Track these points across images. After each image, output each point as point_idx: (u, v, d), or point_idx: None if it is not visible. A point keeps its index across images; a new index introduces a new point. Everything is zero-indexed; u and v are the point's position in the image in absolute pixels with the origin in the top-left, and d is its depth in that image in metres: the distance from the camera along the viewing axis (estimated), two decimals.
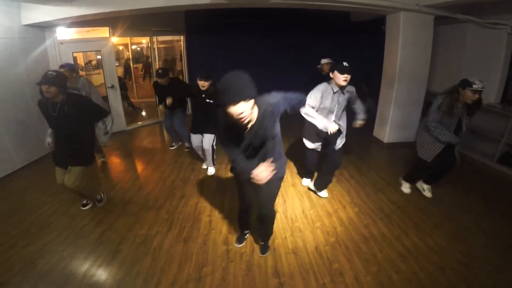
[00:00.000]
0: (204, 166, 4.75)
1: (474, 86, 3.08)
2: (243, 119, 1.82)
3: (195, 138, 4.28)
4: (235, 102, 1.74)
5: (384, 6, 4.81)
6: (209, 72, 3.88)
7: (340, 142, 3.52)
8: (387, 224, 3.28)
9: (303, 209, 3.60)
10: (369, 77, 6.05)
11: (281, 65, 7.98)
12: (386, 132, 5.78)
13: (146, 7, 4.49)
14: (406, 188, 3.96)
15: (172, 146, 5.66)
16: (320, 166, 3.90)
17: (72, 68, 4.25)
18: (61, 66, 4.16)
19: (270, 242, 2.94)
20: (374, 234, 3.12)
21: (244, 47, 7.92)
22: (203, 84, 3.87)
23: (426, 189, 3.86)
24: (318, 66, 5.60)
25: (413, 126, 5.68)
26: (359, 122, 3.61)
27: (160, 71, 4.80)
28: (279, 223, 3.30)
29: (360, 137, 6.00)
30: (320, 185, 3.83)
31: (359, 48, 8.00)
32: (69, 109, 2.88)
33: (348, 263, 2.73)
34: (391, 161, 5.01)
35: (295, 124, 3.96)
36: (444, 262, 2.71)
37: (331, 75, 3.24)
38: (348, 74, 3.12)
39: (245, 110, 1.78)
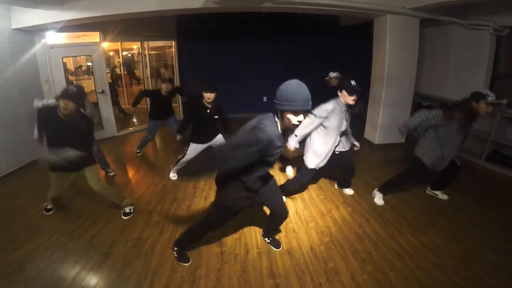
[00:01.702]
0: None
1: (489, 98, 2.94)
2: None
3: (199, 148, 4.01)
4: (309, 111, 1.90)
5: (371, 10, 4.91)
6: (214, 83, 3.66)
7: (345, 142, 3.61)
8: (381, 223, 3.29)
9: (296, 210, 3.59)
10: (359, 80, 6.11)
11: (273, 70, 8.03)
12: (376, 134, 5.84)
13: (137, 11, 4.50)
14: (380, 200, 3.76)
15: (139, 153, 5.59)
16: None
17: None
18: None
19: None
20: (368, 233, 3.12)
21: (236, 52, 7.97)
22: (209, 97, 3.64)
23: (439, 194, 3.84)
24: (326, 79, 5.68)
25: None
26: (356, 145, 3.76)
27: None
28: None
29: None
30: (344, 185, 4.02)
31: (348, 52, 8.12)
32: (78, 123, 2.89)
33: (344, 262, 2.72)
34: (382, 162, 5.04)
35: None
36: (441, 260, 2.72)
37: (339, 93, 3.18)
38: (357, 95, 3.10)
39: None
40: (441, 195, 3.83)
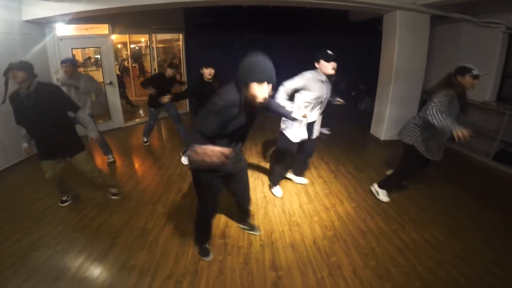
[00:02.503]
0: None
1: (473, 71, 2.94)
2: (263, 102, 1.89)
3: None
4: (270, 82, 1.85)
5: (381, 5, 4.85)
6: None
7: (316, 129, 3.55)
8: (384, 219, 3.29)
9: (300, 203, 3.60)
10: (366, 76, 6.09)
11: (281, 64, 7.98)
12: (383, 130, 5.81)
13: (145, 4, 4.51)
14: (384, 196, 3.70)
15: (146, 142, 5.67)
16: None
17: (74, 63, 4.22)
18: (63, 61, 4.13)
19: None
20: (371, 229, 3.12)
21: (243, 46, 7.94)
22: (210, 72, 3.94)
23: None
24: None
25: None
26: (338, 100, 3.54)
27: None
28: (277, 217, 3.30)
29: (358, 134, 6.04)
30: (300, 172, 4.00)
31: (356, 48, 8.05)
32: (43, 95, 2.82)
33: (346, 256, 2.72)
34: (388, 158, 5.01)
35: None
36: (443, 257, 2.71)
37: (316, 64, 3.16)
38: (335, 62, 3.07)
39: (268, 93, 1.87)
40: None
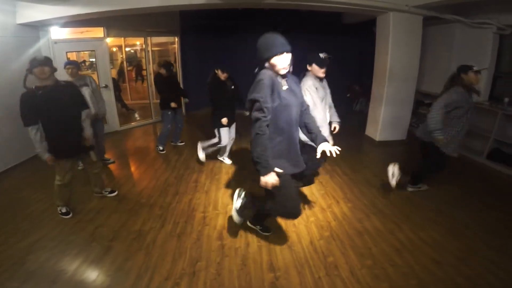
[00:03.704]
0: (221, 158, 4.92)
1: (474, 68, 3.17)
2: (286, 69, 2.11)
3: (229, 133, 4.48)
4: (288, 51, 2.07)
5: (374, 7, 4.90)
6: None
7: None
8: (381, 219, 3.31)
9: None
10: (361, 77, 6.14)
11: None
12: (378, 131, 5.84)
13: (140, 7, 4.52)
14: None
15: (163, 151, 5.57)
16: None
17: (78, 66, 4.23)
18: (67, 63, 4.11)
19: None
20: (368, 229, 3.14)
21: (239, 49, 7.95)
22: (225, 76, 4.22)
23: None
24: None
25: (403, 125, 5.80)
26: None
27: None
28: (273, 218, 3.30)
29: (353, 135, 6.07)
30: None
31: (351, 50, 8.09)
32: (63, 91, 2.97)
33: (343, 256, 2.73)
34: (383, 159, 5.05)
35: None
36: (440, 256, 2.73)
37: (308, 67, 3.19)
38: (327, 67, 3.13)
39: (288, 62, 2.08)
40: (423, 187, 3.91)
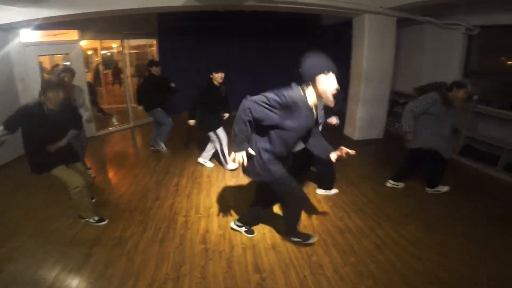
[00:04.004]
0: (203, 161, 4.85)
1: (468, 88, 3.29)
2: (335, 93, 2.04)
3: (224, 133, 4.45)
4: (334, 71, 2.05)
5: (350, 9, 5.03)
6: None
7: None
8: (361, 217, 3.38)
9: (279, 205, 3.62)
10: (340, 78, 6.24)
11: (257, 68, 8.05)
12: (355, 130, 5.97)
13: (116, 9, 4.44)
14: (444, 187, 3.91)
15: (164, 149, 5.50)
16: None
17: (73, 73, 4.07)
18: (63, 71, 3.98)
19: None
20: (349, 226, 3.20)
21: (219, 51, 7.94)
22: (221, 77, 4.14)
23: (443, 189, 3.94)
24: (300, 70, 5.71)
25: (379, 124, 5.96)
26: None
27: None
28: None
29: (332, 135, 6.12)
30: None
31: (329, 51, 8.18)
32: (65, 113, 2.95)
33: (327, 255, 2.77)
34: (361, 157, 5.16)
35: None
36: (420, 251, 2.80)
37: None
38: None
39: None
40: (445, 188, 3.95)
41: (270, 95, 2.07)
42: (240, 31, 7.85)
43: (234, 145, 2.18)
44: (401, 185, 4.04)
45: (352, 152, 2.38)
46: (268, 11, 5.56)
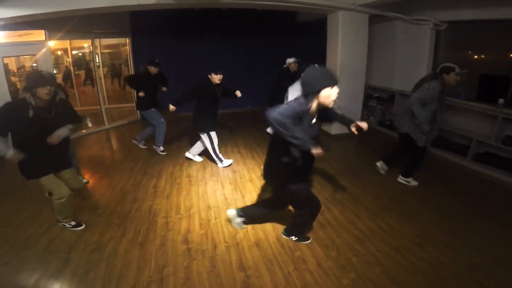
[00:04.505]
0: (191, 156, 4.91)
1: (456, 69, 3.40)
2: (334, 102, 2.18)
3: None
4: (336, 83, 2.13)
5: (324, 5, 5.12)
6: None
7: None
8: (341, 210, 3.44)
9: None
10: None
11: (234, 67, 7.99)
12: (332, 125, 6.07)
13: (86, 8, 4.29)
14: (414, 181, 4.05)
15: (164, 152, 5.38)
16: None
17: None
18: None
19: None
20: (329, 220, 3.25)
21: (195, 49, 7.84)
22: (220, 78, 4.21)
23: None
24: (284, 66, 5.84)
25: (355, 118, 6.05)
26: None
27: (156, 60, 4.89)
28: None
29: None
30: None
31: (306, 47, 8.30)
32: (60, 108, 2.76)
33: (309, 250, 2.80)
34: (339, 151, 5.27)
35: None
36: (398, 242, 2.89)
37: None
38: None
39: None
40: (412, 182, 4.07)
41: (286, 107, 2.15)
42: (216, 28, 7.78)
43: (307, 146, 2.09)
44: (412, 182, 4.07)
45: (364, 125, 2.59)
46: (244, 9, 5.55)
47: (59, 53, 8.60)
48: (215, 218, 3.33)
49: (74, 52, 8.76)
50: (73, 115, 2.98)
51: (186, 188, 4.04)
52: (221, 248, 2.84)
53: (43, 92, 2.50)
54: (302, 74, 2.21)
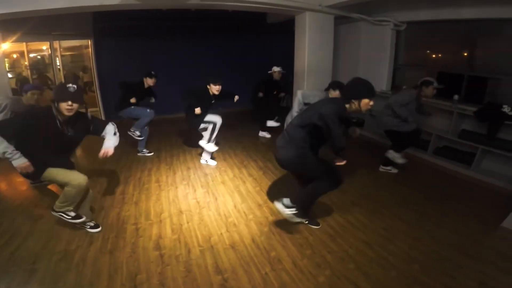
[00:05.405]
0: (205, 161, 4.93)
1: (435, 84, 3.86)
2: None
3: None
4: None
5: (291, 7, 5.19)
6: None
7: None
8: (312, 208, 3.47)
9: (234, 204, 3.63)
10: (286, 74, 6.42)
11: (203, 69, 7.88)
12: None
13: (43, 9, 4.04)
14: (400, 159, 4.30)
15: (151, 153, 5.38)
16: None
17: (42, 88, 3.85)
18: (32, 87, 3.80)
19: None
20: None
21: (162, 51, 7.67)
22: (218, 89, 4.34)
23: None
24: (269, 72, 6.12)
25: None
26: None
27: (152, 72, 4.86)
28: (213, 221, 3.29)
29: (281, 130, 6.26)
30: None
31: (276, 48, 8.41)
32: (82, 123, 2.77)
33: (284, 249, 2.81)
34: None
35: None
36: (368, 237, 2.97)
37: None
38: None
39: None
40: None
41: (337, 109, 2.56)
42: (186, 30, 7.65)
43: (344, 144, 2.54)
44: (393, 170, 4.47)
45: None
46: (214, 10, 5.51)
47: (14, 56, 8.11)
48: (188, 222, 3.26)
49: (32, 55, 8.28)
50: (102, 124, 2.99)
51: (155, 193, 3.93)
52: (196, 252, 2.79)
53: (64, 107, 2.43)
54: (349, 81, 2.71)
